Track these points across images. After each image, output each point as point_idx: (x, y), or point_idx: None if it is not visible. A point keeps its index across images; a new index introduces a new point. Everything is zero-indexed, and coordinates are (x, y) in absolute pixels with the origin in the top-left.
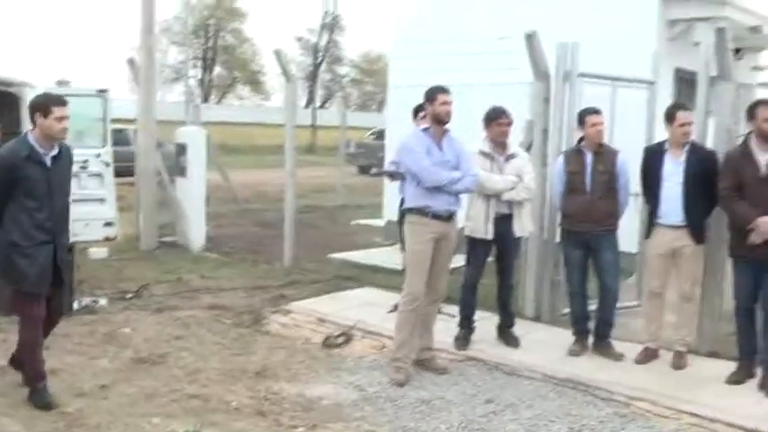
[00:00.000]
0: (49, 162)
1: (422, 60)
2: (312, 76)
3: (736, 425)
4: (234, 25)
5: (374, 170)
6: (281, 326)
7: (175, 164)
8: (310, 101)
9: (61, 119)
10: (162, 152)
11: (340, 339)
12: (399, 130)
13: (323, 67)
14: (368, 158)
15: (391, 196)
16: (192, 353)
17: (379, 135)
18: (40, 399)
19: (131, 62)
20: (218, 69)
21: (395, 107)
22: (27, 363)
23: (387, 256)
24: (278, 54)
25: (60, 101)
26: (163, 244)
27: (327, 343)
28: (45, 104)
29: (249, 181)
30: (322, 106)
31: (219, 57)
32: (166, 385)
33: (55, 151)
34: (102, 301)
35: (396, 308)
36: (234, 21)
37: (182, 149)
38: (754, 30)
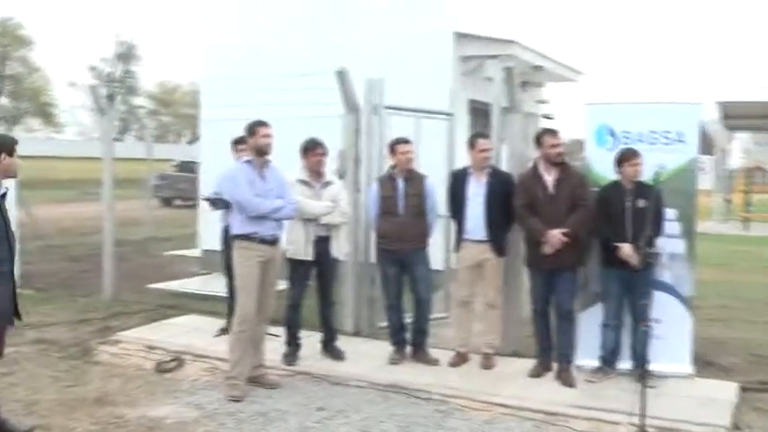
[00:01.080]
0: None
1: (233, 95)
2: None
3: (539, 410)
4: (21, 53)
5: (202, 197)
6: (112, 355)
7: None
8: None
9: None
10: None
11: (172, 364)
12: (214, 163)
13: (118, 97)
14: (170, 190)
15: (207, 225)
16: (26, 387)
17: (182, 167)
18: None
19: None
20: (2, 99)
21: (208, 141)
22: None
23: (206, 284)
24: (93, 89)
25: None
26: None
27: (160, 368)
28: None
29: (51, 216)
30: (118, 138)
31: (7, 86)
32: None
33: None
34: None
35: (222, 332)
36: (21, 48)
37: None
38: (537, 68)
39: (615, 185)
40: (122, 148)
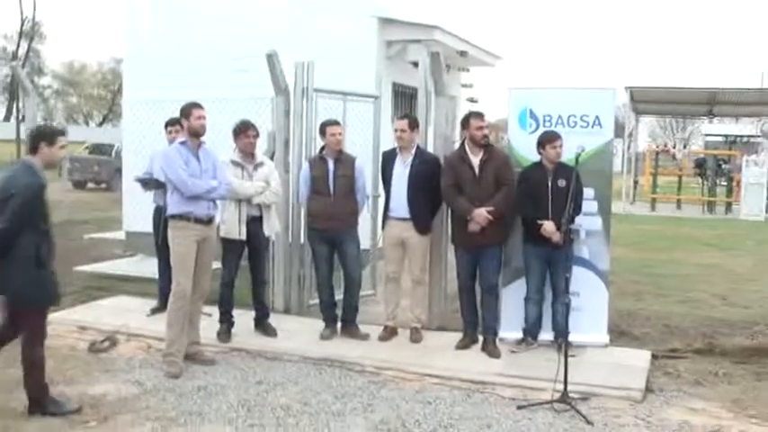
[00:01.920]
0: None
1: (158, 78)
2: (12, 88)
3: (467, 380)
4: None
5: (135, 177)
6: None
7: None
8: (9, 113)
9: None
10: None
11: (106, 344)
12: (138, 144)
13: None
14: (83, 173)
15: (132, 208)
16: None
17: (94, 149)
18: (61, 407)
19: None
20: None
21: (131, 122)
22: (35, 381)
23: (132, 266)
24: (15, 69)
25: None
26: None
27: (94, 348)
28: None
29: None
30: (23, 119)
31: None
32: None
33: None
34: None
35: (154, 311)
36: None
37: None
38: (462, 54)
39: (537, 166)
40: None
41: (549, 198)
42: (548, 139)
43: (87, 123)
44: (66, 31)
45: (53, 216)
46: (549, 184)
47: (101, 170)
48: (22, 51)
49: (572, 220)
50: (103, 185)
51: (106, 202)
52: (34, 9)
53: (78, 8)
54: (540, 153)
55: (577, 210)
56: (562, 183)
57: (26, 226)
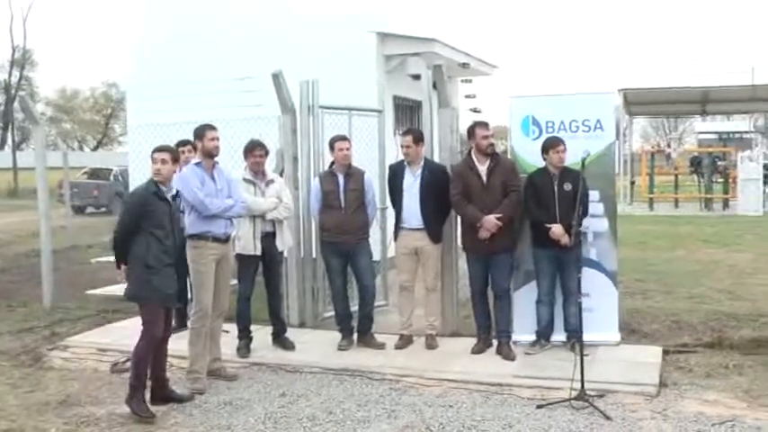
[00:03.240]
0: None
1: (163, 101)
2: (5, 116)
3: (485, 382)
4: None
5: None
6: (64, 360)
7: None
8: (3, 142)
9: None
10: None
11: (128, 364)
12: (144, 168)
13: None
14: (82, 198)
15: None
16: None
17: (92, 174)
18: (143, 407)
19: None
20: None
21: (136, 145)
22: (138, 373)
23: None
24: (23, 99)
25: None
26: None
27: (116, 369)
28: None
29: None
30: (18, 147)
31: None
32: None
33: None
34: None
35: (171, 331)
36: None
37: None
38: (465, 65)
39: (542, 171)
40: (26, 156)
41: (556, 202)
42: (550, 145)
43: (82, 148)
44: (57, 58)
45: (57, 242)
46: (555, 189)
47: (100, 194)
48: (14, 79)
49: (580, 223)
50: (103, 209)
51: (107, 225)
52: (24, 37)
53: (68, 34)
54: (544, 159)
55: (584, 212)
56: (568, 186)
57: None
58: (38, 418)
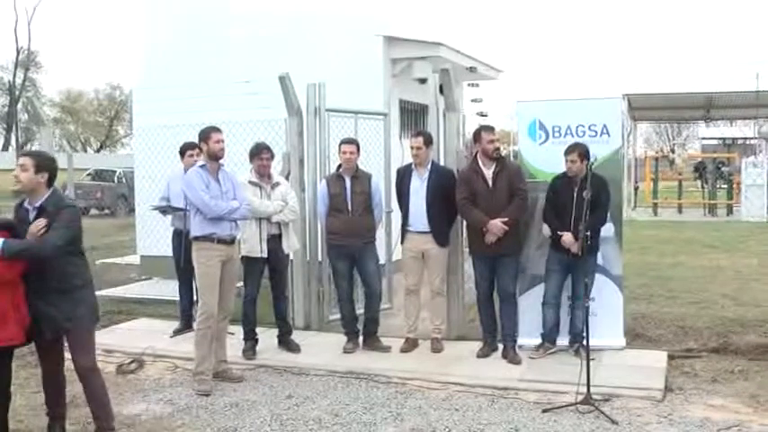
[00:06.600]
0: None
1: (169, 102)
2: (9, 117)
3: (491, 386)
4: None
5: (151, 207)
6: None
7: None
8: (7, 143)
9: None
10: None
11: (133, 365)
12: (149, 170)
13: (19, 106)
14: (86, 200)
15: (146, 233)
16: None
17: (96, 175)
18: None
19: None
20: None
21: (142, 148)
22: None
23: (149, 289)
24: (30, 101)
25: None
26: None
27: (121, 370)
28: None
29: None
30: (22, 148)
31: None
32: None
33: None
34: None
35: (177, 332)
36: None
37: None
38: (472, 69)
39: (564, 176)
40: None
41: (573, 208)
42: (565, 152)
43: (85, 150)
44: (62, 60)
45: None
46: (574, 195)
47: (104, 196)
48: (18, 81)
49: (592, 230)
50: (107, 211)
51: (111, 227)
52: (29, 39)
53: (73, 36)
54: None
55: (602, 220)
56: (587, 194)
57: None
58: (45, 419)
